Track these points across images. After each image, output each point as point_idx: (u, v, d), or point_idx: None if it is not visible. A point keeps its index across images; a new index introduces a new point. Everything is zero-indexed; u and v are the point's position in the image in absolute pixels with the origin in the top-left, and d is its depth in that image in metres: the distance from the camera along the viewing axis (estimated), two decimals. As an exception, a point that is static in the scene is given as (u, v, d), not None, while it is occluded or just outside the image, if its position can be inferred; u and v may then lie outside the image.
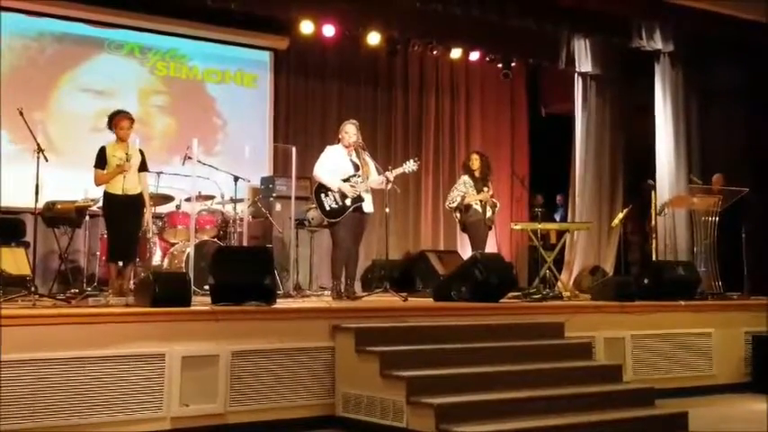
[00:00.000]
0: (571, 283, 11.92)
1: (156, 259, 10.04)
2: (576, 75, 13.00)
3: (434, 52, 13.05)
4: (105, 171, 8.25)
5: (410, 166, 9.22)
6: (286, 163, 11.10)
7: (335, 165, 8.93)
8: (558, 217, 14.16)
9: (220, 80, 12.49)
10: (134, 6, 11.44)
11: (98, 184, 8.36)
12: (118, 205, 8.29)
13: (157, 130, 11.86)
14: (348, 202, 8.82)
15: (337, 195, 8.82)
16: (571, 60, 12.79)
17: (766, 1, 10.63)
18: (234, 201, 10.30)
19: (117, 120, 8.36)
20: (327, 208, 8.82)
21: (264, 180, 11.49)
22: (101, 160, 8.28)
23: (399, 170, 9.16)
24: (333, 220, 8.84)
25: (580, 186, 12.91)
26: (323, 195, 8.83)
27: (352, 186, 8.82)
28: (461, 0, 10.60)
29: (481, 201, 10.50)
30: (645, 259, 12.12)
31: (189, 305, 6.85)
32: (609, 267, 12.41)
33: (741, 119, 12.18)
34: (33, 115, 9.29)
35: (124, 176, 8.22)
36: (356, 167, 8.96)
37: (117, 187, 8.23)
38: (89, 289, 8.94)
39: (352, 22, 11.43)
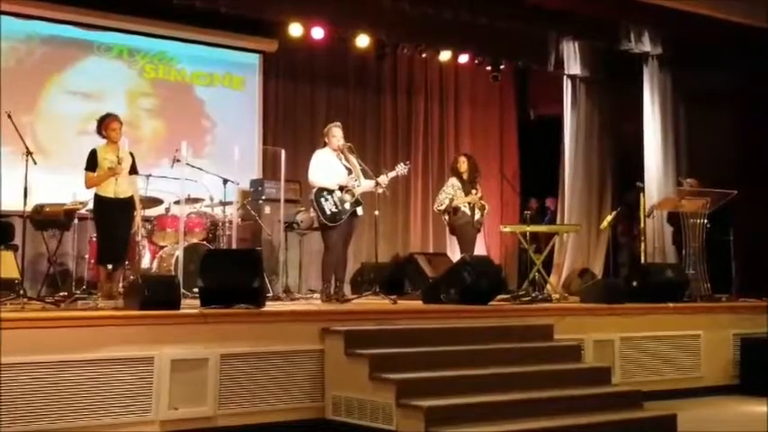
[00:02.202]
0: (560, 285, 11.95)
1: (146, 262, 10.02)
2: (564, 77, 13.03)
3: (423, 55, 13.06)
4: (96, 174, 8.24)
5: (402, 169, 9.32)
6: (275, 166, 11.11)
7: (330, 168, 8.94)
8: (546, 220, 14.17)
9: (209, 83, 12.47)
10: (122, 9, 11.42)
11: (89, 186, 8.35)
12: (109, 208, 8.28)
13: (146, 132, 11.84)
14: (347, 206, 8.84)
15: (337, 199, 8.82)
16: (560, 63, 12.83)
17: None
18: (223, 204, 10.30)
19: (107, 122, 8.34)
20: (328, 212, 8.81)
21: (253, 183, 11.49)
22: (91, 163, 8.26)
23: (393, 174, 9.26)
24: (333, 224, 8.83)
25: (569, 188, 12.94)
26: (323, 200, 8.82)
27: (350, 189, 8.86)
28: (450, 3, 10.64)
29: (469, 203, 10.53)
30: (633, 261, 12.15)
31: (178, 308, 6.83)
32: (598, 270, 12.44)
33: (729, 121, 12.20)
34: (21, 118, 9.27)
35: (116, 180, 8.22)
36: (348, 171, 8.98)
37: (109, 190, 8.23)
38: (78, 292, 8.92)
39: (341, 24, 11.42)
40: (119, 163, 8.23)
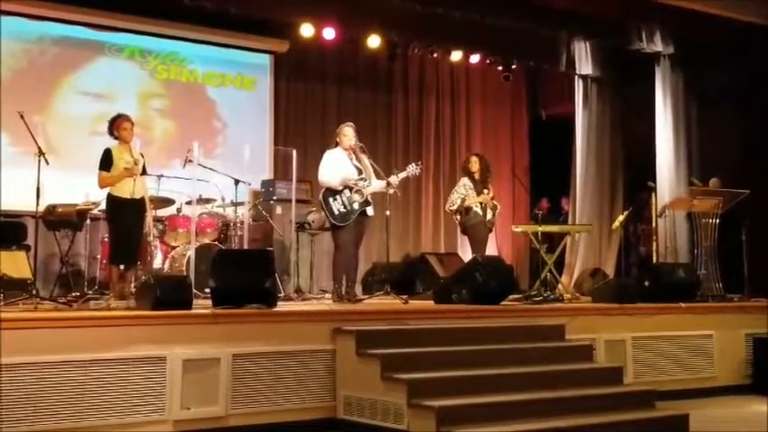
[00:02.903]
0: (572, 285, 11.92)
1: (157, 262, 10.04)
2: (576, 77, 13.00)
3: (434, 55, 13.05)
4: (111, 174, 8.26)
5: (413, 169, 9.33)
6: (286, 166, 11.11)
7: (340, 168, 8.93)
8: (561, 219, 14.12)
9: (220, 83, 12.49)
10: (134, 10, 11.44)
11: (102, 186, 8.37)
12: (122, 208, 8.31)
13: (157, 133, 11.85)
14: (356, 206, 8.83)
15: (345, 199, 8.82)
16: (571, 63, 12.77)
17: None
18: (234, 204, 10.33)
19: (119, 122, 8.38)
20: (336, 212, 8.80)
21: (265, 183, 11.50)
22: (106, 162, 8.28)
23: (404, 174, 9.25)
24: (341, 225, 8.83)
25: (581, 188, 12.90)
26: (331, 200, 8.82)
27: (359, 189, 8.85)
28: (461, 3, 10.63)
29: (481, 203, 10.52)
30: (645, 261, 12.12)
31: (190, 308, 6.86)
32: (610, 269, 12.40)
33: (742, 121, 12.16)
34: (33, 118, 9.29)
35: (134, 180, 8.24)
36: (359, 171, 8.98)
37: (125, 190, 8.25)
38: (90, 292, 8.94)
39: (352, 25, 11.42)
40: (135, 164, 8.26)
